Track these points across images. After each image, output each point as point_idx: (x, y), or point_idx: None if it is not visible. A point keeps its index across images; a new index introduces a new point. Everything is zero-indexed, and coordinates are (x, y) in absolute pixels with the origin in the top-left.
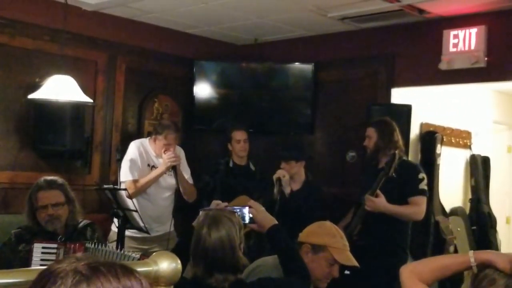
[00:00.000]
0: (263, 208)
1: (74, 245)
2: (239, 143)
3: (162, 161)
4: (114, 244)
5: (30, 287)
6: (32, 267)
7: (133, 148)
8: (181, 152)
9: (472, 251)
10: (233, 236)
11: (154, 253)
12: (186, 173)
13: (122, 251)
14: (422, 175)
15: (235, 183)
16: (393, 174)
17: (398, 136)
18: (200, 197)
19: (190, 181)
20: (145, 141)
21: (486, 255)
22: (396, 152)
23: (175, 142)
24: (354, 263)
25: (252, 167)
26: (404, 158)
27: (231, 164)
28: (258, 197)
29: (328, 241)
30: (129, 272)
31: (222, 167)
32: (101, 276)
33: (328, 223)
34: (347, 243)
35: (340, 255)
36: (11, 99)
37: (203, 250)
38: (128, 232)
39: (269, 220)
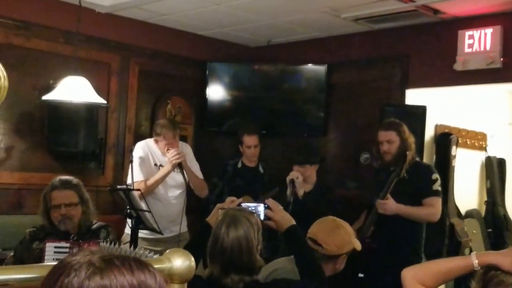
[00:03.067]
0: (281, 207)
1: (88, 244)
2: (250, 149)
3: (167, 160)
4: (128, 245)
5: (44, 280)
6: (47, 263)
7: (139, 149)
8: (186, 148)
9: (474, 253)
10: (251, 237)
11: (168, 251)
12: (194, 168)
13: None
14: (435, 176)
15: (242, 184)
16: (405, 175)
17: (412, 137)
18: (208, 199)
19: (200, 175)
20: (150, 141)
21: (489, 257)
22: (408, 152)
23: (175, 140)
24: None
25: (261, 169)
26: (417, 159)
27: (239, 165)
28: (276, 196)
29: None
30: (143, 266)
31: (230, 168)
32: (115, 269)
33: (330, 218)
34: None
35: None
36: (25, 101)
37: (221, 249)
38: (141, 234)
39: (287, 220)
